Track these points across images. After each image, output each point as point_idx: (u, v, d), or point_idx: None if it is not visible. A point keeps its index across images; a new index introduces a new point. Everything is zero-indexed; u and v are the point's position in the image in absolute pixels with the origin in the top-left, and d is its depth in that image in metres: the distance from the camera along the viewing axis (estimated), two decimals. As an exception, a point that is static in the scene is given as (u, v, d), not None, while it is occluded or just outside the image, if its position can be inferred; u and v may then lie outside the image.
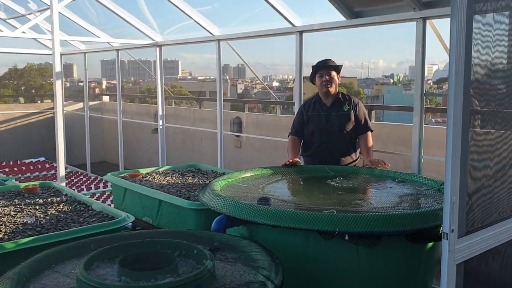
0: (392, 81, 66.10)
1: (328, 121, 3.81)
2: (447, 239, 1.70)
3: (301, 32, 4.58)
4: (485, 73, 1.91)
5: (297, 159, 3.73)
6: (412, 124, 3.83)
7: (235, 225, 2.62)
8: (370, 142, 3.78)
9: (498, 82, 2.04)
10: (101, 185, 6.69)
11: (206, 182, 3.95)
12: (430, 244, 2.53)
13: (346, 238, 2.34)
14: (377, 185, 3.31)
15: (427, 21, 3.65)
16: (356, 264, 2.42)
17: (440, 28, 4.06)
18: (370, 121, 5.55)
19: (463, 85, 1.68)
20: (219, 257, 2.18)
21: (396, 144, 5.33)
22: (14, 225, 3.06)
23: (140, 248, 2.15)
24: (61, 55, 7.94)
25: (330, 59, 3.84)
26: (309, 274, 2.47)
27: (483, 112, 1.95)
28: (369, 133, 3.80)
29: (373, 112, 6.35)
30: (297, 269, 2.45)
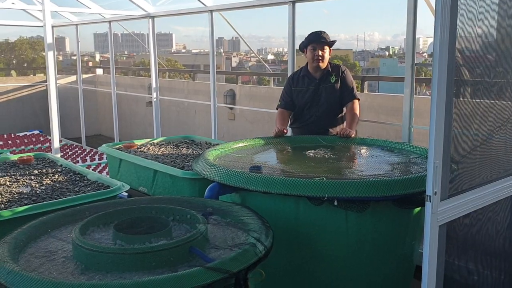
0: (387, 53, 65.75)
1: (316, 94, 3.81)
2: (430, 202, 1.76)
3: (293, 2, 4.55)
4: (470, 42, 1.94)
5: (284, 129, 3.71)
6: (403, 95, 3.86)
7: (227, 193, 2.68)
8: (355, 110, 3.75)
9: (483, 52, 2.07)
10: (96, 157, 6.73)
11: (200, 152, 4.00)
12: (417, 209, 2.61)
13: (335, 203, 2.40)
14: (367, 153, 3.37)
15: (419, -8, 3.65)
16: (345, 228, 2.49)
17: (433, 0, 4.05)
18: (363, 92, 5.58)
19: (448, 53, 1.72)
20: (211, 221, 2.25)
21: (388, 115, 5.38)
22: (10, 194, 3.11)
23: (135, 213, 2.21)
24: (52, 27, 7.86)
25: (324, 32, 3.79)
26: (299, 239, 2.55)
27: (467, 81, 2.00)
28: (355, 101, 3.79)
29: (366, 83, 6.37)
30: (288, 234, 2.52)
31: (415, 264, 2.85)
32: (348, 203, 2.41)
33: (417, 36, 3.79)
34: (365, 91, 6.35)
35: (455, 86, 1.83)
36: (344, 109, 3.86)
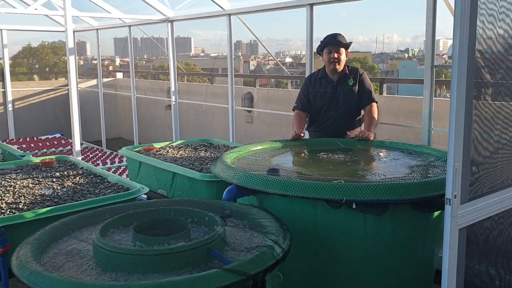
0: (406, 55, 65.08)
1: (334, 97, 3.79)
2: (450, 205, 1.74)
3: (311, 5, 4.55)
4: (490, 43, 1.92)
5: (301, 133, 3.71)
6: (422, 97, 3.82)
7: (245, 195, 2.69)
8: (373, 113, 3.73)
9: (504, 53, 2.04)
10: (116, 160, 6.81)
11: (218, 155, 4.03)
12: (437, 213, 2.58)
13: (354, 206, 2.39)
14: (386, 156, 3.34)
15: (439, -7, 3.61)
16: (363, 232, 2.48)
17: (453, 2, 4.00)
18: (382, 94, 5.55)
19: (467, 55, 1.70)
20: (229, 223, 2.26)
21: (407, 117, 5.33)
22: (32, 196, 3.17)
23: (154, 215, 2.24)
24: (73, 32, 8.01)
25: (339, 34, 3.78)
26: (317, 242, 2.54)
27: (488, 83, 1.97)
28: (374, 104, 3.77)
29: (385, 86, 6.32)
30: (306, 237, 2.52)
31: (434, 268, 2.81)
32: (366, 206, 2.39)
33: (436, 38, 3.75)
34: (384, 94, 6.29)
35: (475, 88, 1.80)
36: (362, 112, 3.84)
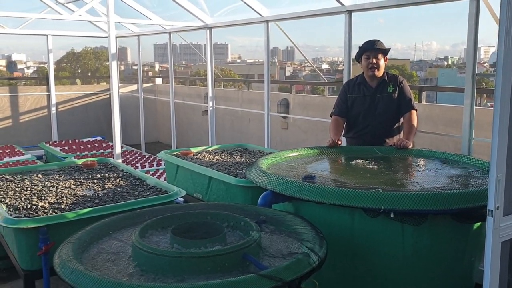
0: (446, 63, 63.55)
1: (372, 103, 3.76)
2: (492, 216, 1.70)
3: (350, 12, 4.53)
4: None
5: (338, 140, 3.69)
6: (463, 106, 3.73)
7: (280, 201, 2.69)
8: (413, 121, 3.67)
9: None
10: (154, 163, 6.95)
11: (253, 161, 4.05)
12: (477, 224, 2.51)
13: (392, 216, 2.35)
14: (425, 165, 3.28)
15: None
16: (401, 242, 2.44)
17: (496, 8, 3.90)
18: (421, 102, 5.45)
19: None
20: (265, 229, 2.27)
21: (447, 126, 5.20)
22: (74, 197, 3.28)
23: (191, 218, 2.28)
24: (115, 37, 8.22)
25: (378, 40, 3.75)
26: (354, 251, 2.52)
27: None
28: (413, 112, 3.71)
29: (424, 94, 6.19)
30: (342, 246, 2.50)
31: (474, 281, 2.73)
32: (404, 216, 2.35)
33: (478, 46, 3.66)
34: (423, 102, 6.17)
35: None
36: (401, 119, 3.79)
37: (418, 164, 3.35)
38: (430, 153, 3.47)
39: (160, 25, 7.85)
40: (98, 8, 7.96)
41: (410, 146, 3.52)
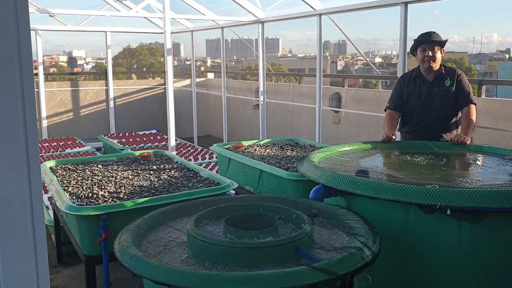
0: (507, 56, 60.44)
1: (429, 97, 3.65)
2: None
3: (406, 3, 4.42)
4: None
5: (392, 135, 3.59)
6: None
7: (332, 196, 2.68)
8: (471, 116, 3.54)
9: None
10: (207, 156, 7.09)
11: (305, 155, 4.04)
12: (541, 224, 2.39)
13: (448, 212, 2.29)
14: (484, 162, 3.16)
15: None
16: (457, 240, 2.36)
17: None
18: (480, 96, 5.23)
19: None
20: (317, 222, 2.27)
21: (508, 121, 4.97)
22: (132, 187, 3.41)
23: (244, 210, 2.31)
24: (171, 33, 8.42)
25: (434, 32, 3.63)
26: (407, 248, 2.47)
27: None
28: (472, 106, 3.57)
29: (483, 87, 5.94)
30: (396, 242, 2.45)
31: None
32: (462, 213, 2.28)
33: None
34: (483, 96, 5.92)
35: None
36: (459, 114, 3.66)
37: (477, 160, 3.22)
38: (490, 149, 3.33)
39: (213, 20, 7.97)
40: (154, 4, 8.18)
41: (468, 142, 3.40)
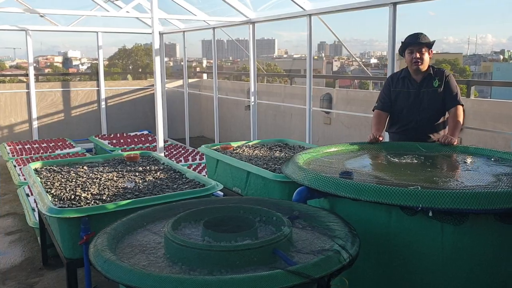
0: (502, 57, 60.64)
1: (417, 97, 3.64)
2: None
3: (395, 4, 4.40)
4: None
5: (379, 136, 3.56)
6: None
7: (315, 197, 2.65)
8: (458, 117, 3.54)
9: None
10: (197, 157, 7.06)
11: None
12: (524, 226, 2.37)
13: (430, 214, 2.27)
14: (470, 163, 3.14)
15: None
16: (440, 242, 2.34)
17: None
18: (469, 97, 5.23)
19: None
20: (297, 225, 2.25)
21: (496, 121, 4.96)
22: (116, 189, 3.37)
23: (224, 212, 2.28)
24: (161, 34, 8.39)
25: (421, 34, 3.63)
26: (390, 249, 2.44)
27: None
28: (459, 107, 3.57)
29: (472, 88, 5.91)
30: (378, 244, 2.43)
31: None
32: (444, 215, 2.26)
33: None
34: (472, 97, 5.91)
35: None
36: (447, 114, 3.65)
37: (463, 162, 3.21)
38: (476, 150, 3.31)
39: (204, 20, 7.94)
40: (146, 5, 8.14)
41: (455, 143, 3.39)
